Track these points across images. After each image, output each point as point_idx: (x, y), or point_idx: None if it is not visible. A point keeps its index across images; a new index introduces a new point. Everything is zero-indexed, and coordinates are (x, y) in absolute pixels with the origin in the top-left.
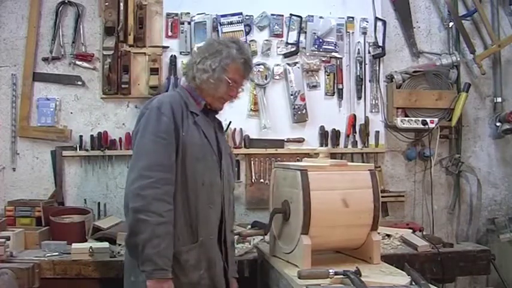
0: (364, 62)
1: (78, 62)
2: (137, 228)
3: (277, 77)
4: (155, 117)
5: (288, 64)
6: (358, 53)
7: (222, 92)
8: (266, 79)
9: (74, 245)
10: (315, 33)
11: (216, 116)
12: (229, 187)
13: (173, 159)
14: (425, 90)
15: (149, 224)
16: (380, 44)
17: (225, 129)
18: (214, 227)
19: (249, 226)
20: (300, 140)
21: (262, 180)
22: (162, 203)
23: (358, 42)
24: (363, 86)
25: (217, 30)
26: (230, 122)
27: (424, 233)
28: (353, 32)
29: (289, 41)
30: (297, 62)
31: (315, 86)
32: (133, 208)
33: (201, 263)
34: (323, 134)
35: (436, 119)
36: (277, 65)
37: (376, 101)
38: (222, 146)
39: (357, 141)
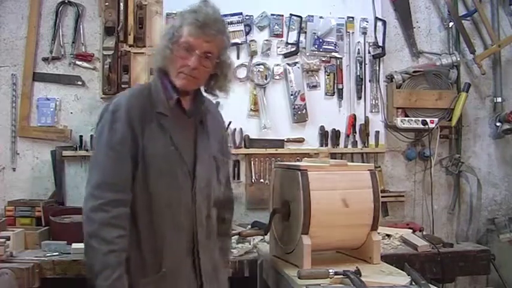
0: (364, 62)
1: (78, 62)
2: (89, 255)
3: (277, 77)
4: (109, 124)
5: (288, 64)
6: (358, 53)
7: (172, 62)
8: (266, 79)
9: (74, 245)
10: (315, 33)
11: (207, 107)
12: (208, 203)
13: (127, 175)
14: (425, 90)
15: (99, 253)
16: (380, 44)
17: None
18: (185, 254)
19: (249, 226)
20: (300, 140)
21: (262, 180)
22: (112, 228)
23: (358, 42)
24: (363, 86)
25: None
26: (230, 122)
27: (424, 233)
28: (353, 32)
29: (289, 41)
30: (297, 62)
31: (315, 86)
32: (85, 232)
33: None
34: (323, 134)
35: (436, 119)
36: (277, 65)
37: (376, 101)
38: (200, 150)
39: (357, 141)
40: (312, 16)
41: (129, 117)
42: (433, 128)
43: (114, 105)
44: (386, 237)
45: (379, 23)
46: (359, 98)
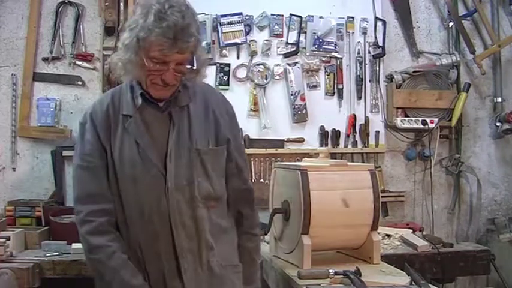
0: (364, 62)
1: (78, 62)
2: (95, 270)
3: (277, 77)
4: (80, 135)
5: (288, 64)
6: (358, 53)
7: (142, 76)
8: (266, 79)
9: (74, 245)
10: (315, 33)
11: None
12: (192, 201)
13: (104, 185)
14: (425, 90)
15: (101, 261)
16: (380, 44)
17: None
18: (166, 261)
19: None
20: (300, 140)
21: (262, 180)
22: (101, 235)
23: (358, 42)
24: (363, 86)
25: (217, 30)
26: None
27: (424, 233)
28: (353, 32)
29: (289, 41)
30: (297, 62)
31: (315, 86)
32: (84, 249)
33: None
34: (323, 134)
35: (436, 119)
36: (277, 65)
37: (376, 101)
38: (172, 146)
39: (357, 141)
40: (312, 16)
41: (95, 126)
42: (433, 128)
43: (83, 117)
44: (386, 237)
45: (379, 23)
46: (359, 98)
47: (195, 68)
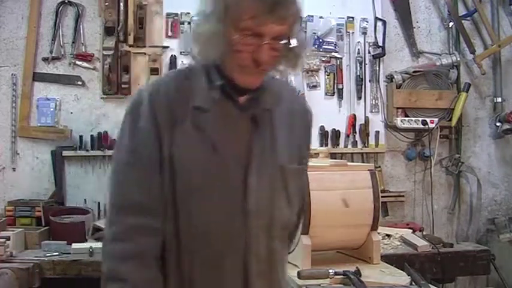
0: (364, 62)
1: (78, 62)
2: None
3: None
4: (130, 123)
5: None
6: (358, 53)
7: (227, 54)
8: None
9: (74, 245)
10: (315, 33)
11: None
12: (270, 229)
13: (157, 191)
14: (425, 90)
15: None
16: (380, 44)
17: None
18: None
19: None
20: None
21: None
22: (135, 260)
23: (358, 42)
24: (363, 86)
25: None
26: None
27: (424, 233)
28: (353, 32)
29: None
30: None
31: (315, 86)
32: (103, 273)
33: None
34: (323, 134)
35: (436, 119)
36: None
37: (376, 101)
38: (257, 158)
39: (357, 141)
40: (312, 16)
41: (155, 112)
42: (433, 128)
43: (137, 94)
44: (386, 237)
45: (379, 23)
46: (359, 98)
47: (294, 45)
